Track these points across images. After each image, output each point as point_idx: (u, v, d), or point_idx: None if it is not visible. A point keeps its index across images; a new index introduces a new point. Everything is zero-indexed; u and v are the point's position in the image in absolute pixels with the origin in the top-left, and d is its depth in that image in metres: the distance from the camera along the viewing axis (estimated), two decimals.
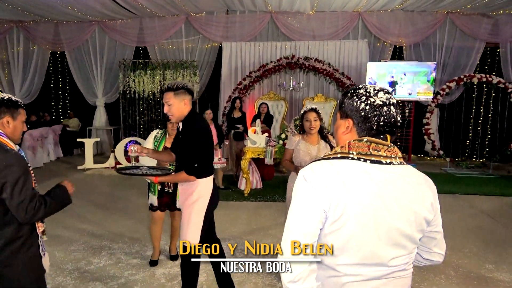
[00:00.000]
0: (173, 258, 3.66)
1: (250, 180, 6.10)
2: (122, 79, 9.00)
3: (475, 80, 8.15)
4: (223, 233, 4.37)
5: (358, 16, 8.82)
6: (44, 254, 1.92)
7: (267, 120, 7.13)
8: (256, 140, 5.74)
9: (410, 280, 1.25)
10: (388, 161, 1.17)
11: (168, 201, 3.41)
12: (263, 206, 5.50)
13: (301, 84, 8.60)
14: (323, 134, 3.10)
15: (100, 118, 9.65)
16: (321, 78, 8.64)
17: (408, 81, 8.12)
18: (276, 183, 6.82)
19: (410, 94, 8.14)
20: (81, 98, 9.85)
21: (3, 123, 1.81)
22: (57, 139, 9.08)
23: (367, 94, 1.18)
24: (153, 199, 3.40)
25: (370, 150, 1.16)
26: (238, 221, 4.77)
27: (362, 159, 1.16)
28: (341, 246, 1.14)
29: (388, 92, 1.20)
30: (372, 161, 1.16)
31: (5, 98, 1.83)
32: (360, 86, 1.23)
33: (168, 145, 3.28)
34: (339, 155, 1.18)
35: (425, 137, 8.47)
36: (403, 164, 1.20)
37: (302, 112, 3.10)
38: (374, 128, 1.17)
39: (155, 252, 3.61)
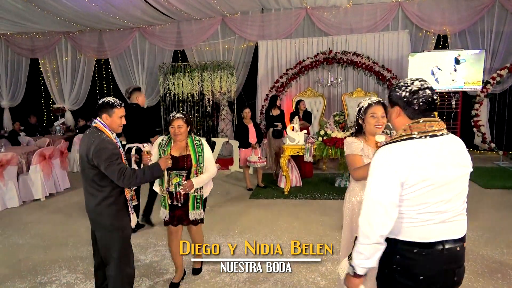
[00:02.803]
0: (195, 272, 3.40)
1: (290, 178, 6.05)
2: (162, 82, 9.26)
3: None
4: (267, 231, 4.38)
5: (397, 6, 8.48)
6: (132, 213, 2.66)
7: (306, 117, 7.05)
8: (294, 137, 5.69)
9: (465, 224, 1.57)
10: (440, 133, 1.51)
11: (181, 215, 3.07)
12: (304, 203, 5.45)
13: (339, 80, 8.42)
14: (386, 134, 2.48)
15: None
16: (360, 72, 8.40)
17: (455, 71, 7.71)
18: (315, 180, 6.74)
19: (451, 84, 7.71)
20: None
21: (103, 118, 2.54)
22: None
23: (406, 84, 1.55)
24: (165, 213, 3.10)
25: (427, 127, 1.50)
26: (280, 219, 4.76)
27: (423, 137, 1.49)
28: (413, 203, 1.48)
29: (422, 80, 1.54)
30: (430, 136, 1.49)
31: (105, 101, 2.59)
32: (400, 81, 1.60)
33: (174, 151, 3.01)
34: (405, 137, 1.50)
35: (474, 129, 8.00)
36: (448, 133, 1.55)
37: (363, 106, 2.37)
38: (416, 108, 1.51)
39: (177, 272, 3.23)
